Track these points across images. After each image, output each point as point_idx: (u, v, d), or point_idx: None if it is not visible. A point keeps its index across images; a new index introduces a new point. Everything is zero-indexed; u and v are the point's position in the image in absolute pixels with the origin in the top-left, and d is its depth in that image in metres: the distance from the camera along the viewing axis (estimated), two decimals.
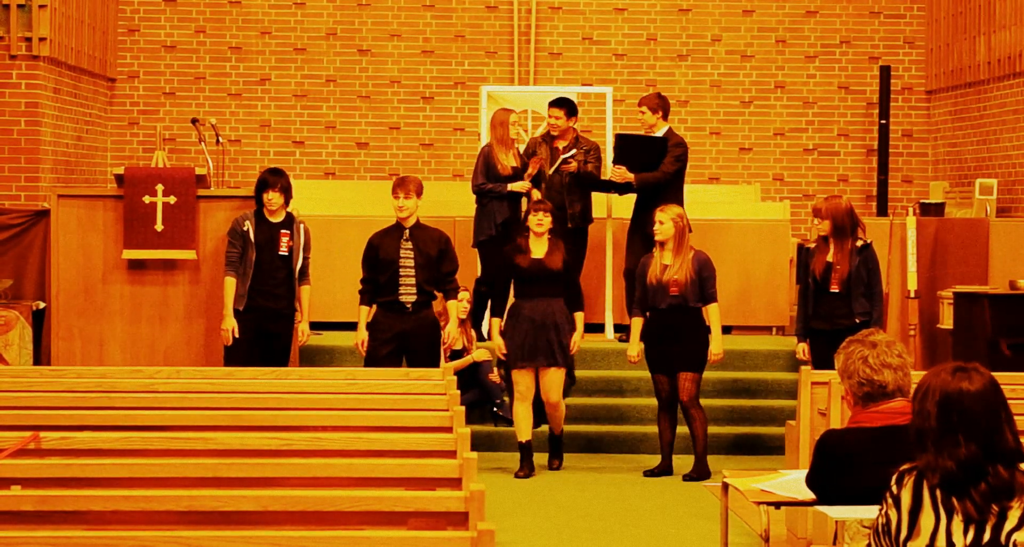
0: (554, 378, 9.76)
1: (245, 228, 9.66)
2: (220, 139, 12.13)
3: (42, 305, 10.81)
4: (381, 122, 15.16)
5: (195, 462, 5.41)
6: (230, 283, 9.69)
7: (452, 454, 5.70)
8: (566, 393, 10.08)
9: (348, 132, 15.17)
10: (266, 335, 9.68)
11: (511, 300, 9.97)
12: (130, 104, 15.04)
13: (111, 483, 5.16)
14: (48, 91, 12.84)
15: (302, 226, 9.82)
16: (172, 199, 10.31)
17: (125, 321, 10.52)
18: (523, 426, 9.80)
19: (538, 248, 9.81)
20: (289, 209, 9.83)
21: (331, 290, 12.21)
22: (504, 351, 9.77)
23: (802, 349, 9.70)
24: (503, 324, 9.91)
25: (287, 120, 15.14)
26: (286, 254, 9.70)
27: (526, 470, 9.78)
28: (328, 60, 15.14)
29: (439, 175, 15.06)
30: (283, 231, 9.71)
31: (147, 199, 10.38)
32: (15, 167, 12.57)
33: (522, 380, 9.77)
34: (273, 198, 9.67)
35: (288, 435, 6.00)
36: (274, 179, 9.73)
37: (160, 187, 10.36)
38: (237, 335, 9.62)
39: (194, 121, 12.27)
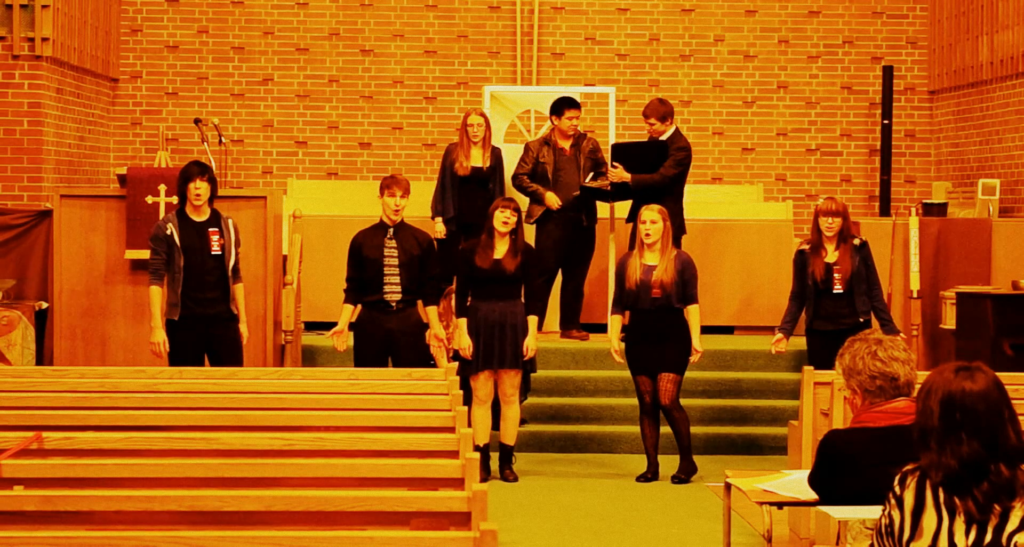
0: (510, 379, 9.59)
1: (168, 232, 9.12)
2: (223, 139, 12.11)
3: (45, 305, 10.80)
4: (384, 122, 15.16)
5: (197, 462, 5.41)
6: (156, 293, 9.16)
7: (455, 454, 5.69)
8: (522, 402, 9.79)
9: (350, 132, 15.16)
10: (208, 341, 9.20)
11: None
12: (132, 104, 15.04)
13: (113, 483, 5.16)
14: (51, 91, 12.84)
15: (230, 222, 9.31)
16: (174, 199, 10.26)
17: (128, 321, 10.51)
18: (480, 430, 9.57)
19: (500, 248, 9.55)
20: (215, 206, 9.29)
21: (332, 290, 12.17)
22: (472, 352, 9.54)
23: (778, 338, 9.77)
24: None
25: (289, 120, 15.14)
26: (219, 253, 9.17)
27: (480, 474, 9.63)
28: (331, 60, 15.13)
29: None
30: (211, 230, 9.17)
31: (150, 199, 10.37)
32: (18, 167, 12.57)
33: (481, 385, 9.60)
34: (200, 189, 9.10)
35: (290, 435, 5.99)
36: (199, 169, 9.15)
37: (163, 187, 10.35)
38: (167, 349, 9.15)
39: (197, 121, 12.27)
